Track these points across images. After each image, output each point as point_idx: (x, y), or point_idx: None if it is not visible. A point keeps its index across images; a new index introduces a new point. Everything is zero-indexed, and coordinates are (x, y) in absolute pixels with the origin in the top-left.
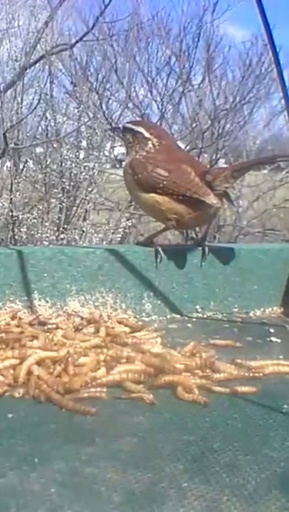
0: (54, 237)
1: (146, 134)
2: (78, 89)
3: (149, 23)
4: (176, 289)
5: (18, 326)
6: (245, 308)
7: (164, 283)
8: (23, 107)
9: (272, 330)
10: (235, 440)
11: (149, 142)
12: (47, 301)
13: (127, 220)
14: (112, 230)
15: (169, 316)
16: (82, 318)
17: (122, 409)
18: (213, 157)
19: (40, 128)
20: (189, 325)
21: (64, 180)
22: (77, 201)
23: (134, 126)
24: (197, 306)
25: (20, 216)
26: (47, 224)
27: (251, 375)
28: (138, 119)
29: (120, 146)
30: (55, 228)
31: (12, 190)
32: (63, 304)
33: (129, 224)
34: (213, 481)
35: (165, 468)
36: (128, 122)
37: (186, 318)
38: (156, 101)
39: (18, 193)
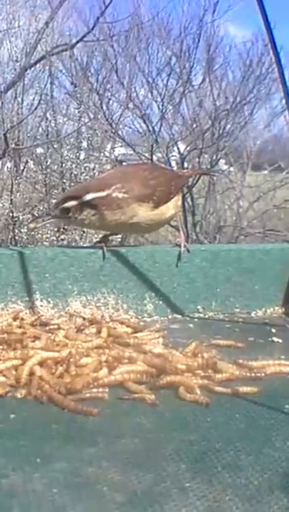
0: (54, 238)
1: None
2: (79, 90)
3: (149, 24)
4: (178, 289)
5: (20, 327)
6: (247, 309)
7: (166, 283)
8: (24, 108)
9: (273, 330)
10: (237, 440)
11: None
12: (49, 302)
13: None
14: None
15: (170, 317)
16: (83, 318)
17: (124, 410)
18: (214, 158)
19: (40, 128)
20: (191, 325)
21: (64, 181)
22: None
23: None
24: (199, 307)
25: (20, 217)
26: (47, 225)
27: (253, 375)
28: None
29: (121, 146)
30: (56, 229)
31: (12, 191)
32: (65, 304)
33: None
34: (215, 481)
35: (167, 469)
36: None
37: (188, 318)
38: (156, 101)
39: (18, 194)
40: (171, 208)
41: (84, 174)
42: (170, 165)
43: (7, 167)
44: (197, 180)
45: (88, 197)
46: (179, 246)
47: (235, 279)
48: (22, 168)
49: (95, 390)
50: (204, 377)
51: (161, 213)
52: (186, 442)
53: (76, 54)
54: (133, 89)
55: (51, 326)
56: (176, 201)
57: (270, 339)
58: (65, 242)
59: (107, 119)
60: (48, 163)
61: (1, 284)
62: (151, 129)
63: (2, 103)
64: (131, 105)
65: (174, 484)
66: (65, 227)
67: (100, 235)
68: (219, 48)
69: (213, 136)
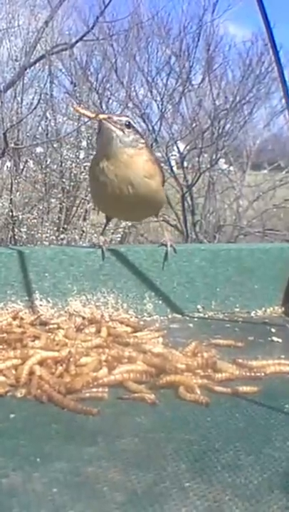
0: (54, 237)
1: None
2: (78, 89)
3: (149, 23)
4: (178, 288)
5: (19, 326)
6: (247, 308)
7: (166, 283)
8: (23, 107)
9: (273, 329)
10: (237, 440)
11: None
12: (48, 301)
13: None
14: (112, 230)
15: (170, 316)
16: (83, 318)
17: (124, 409)
18: (213, 157)
19: (40, 128)
20: (191, 325)
21: (64, 180)
22: (77, 201)
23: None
24: (198, 306)
25: (20, 216)
26: (47, 224)
27: (253, 374)
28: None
29: None
30: (55, 228)
31: (12, 190)
32: (65, 303)
33: (129, 224)
34: (215, 480)
35: (167, 468)
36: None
37: (188, 317)
38: (156, 100)
39: (18, 193)
40: (164, 193)
41: (84, 173)
42: (170, 164)
43: (7, 166)
44: (197, 180)
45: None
46: (165, 246)
47: (235, 278)
48: (22, 167)
49: (94, 389)
50: (204, 376)
51: (161, 189)
52: (186, 442)
53: (76, 53)
54: (133, 89)
55: (51, 326)
56: (164, 192)
57: (269, 339)
58: (64, 242)
59: None
60: (48, 163)
61: (1, 284)
62: (150, 128)
63: (2, 102)
64: (130, 104)
65: (173, 484)
66: (65, 226)
67: (99, 233)
68: (219, 47)
69: (212, 135)
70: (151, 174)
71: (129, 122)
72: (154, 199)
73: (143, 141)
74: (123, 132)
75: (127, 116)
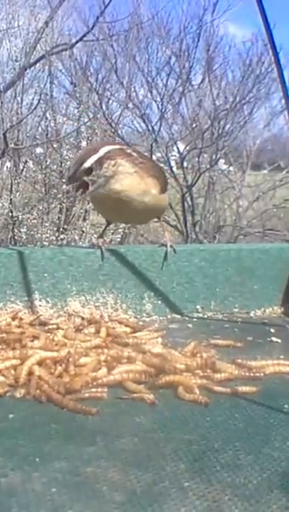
0: (54, 238)
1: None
2: (78, 90)
3: (149, 23)
4: (177, 289)
5: (18, 327)
6: (246, 308)
7: (165, 283)
8: (23, 107)
9: (272, 330)
10: (236, 440)
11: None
12: (47, 302)
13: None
14: (111, 230)
15: (169, 316)
16: (82, 318)
17: (123, 409)
18: (213, 157)
19: (40, 128)
20: (190, 325)
21: (64, 180)
22: (77, 202)
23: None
24: (198, 306)
25: (20, 216)
26: (47, 224)
27: (252, 374)
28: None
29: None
30: (55, 228)
31: (12, 191)
32: (64, 304)
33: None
34: (215, 480)
35: (166, 468)
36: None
37: (187, 318)
38: (156, 101)
39: (18, 194)
40: (165, 199)
41: None
42: (170, 164)
43: (6, 167)
44: (197, 180)
45: (104, 149)
46: (165, 246)
47: (235, 278)
48: (21, 167)
49: (94, 389)
50: (203, 376)
51: (160, 199)
52: (185, 442)
53: (76, 54)
54: (132, 89)
55: (50, 326)
56: (165, 198)
57: (269, 339)
58: (64, 242)
59: (106, 119)
60: (48, 163)
61: (0, 284)
62: (150, 128)
63: (1, 103)
64: (130, 105)
65: (173, 484)
66: (65, 226)
67: (99, 234)
68: (219, 47)
69: (212, 135)
70: (144, 189)
71: (89, 168)
72: (152, 209)
73: (112, 162)
74: (94, 184)
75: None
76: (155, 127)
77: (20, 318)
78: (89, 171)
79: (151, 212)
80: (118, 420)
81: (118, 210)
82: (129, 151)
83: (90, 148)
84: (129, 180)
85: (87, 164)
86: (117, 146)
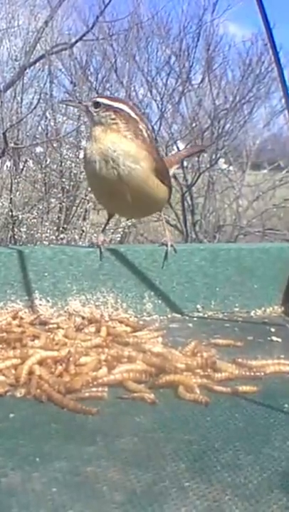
0: (54, 237)
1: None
2: (78, 89)
3: (148, 23)
4: (177, 288)
5: (19, 326)
6: (246, 308)
7: (165, 282)
8: (23, 107)
9: (273, 329)
10: (236, 439)
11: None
12: (48, 301)
13: (127, 219)
14: (111, 230)
15: (169, 316)
16: (83, 317)
17: (124, 409)
18: (213, 157)
19: (40, 127)
20: (190, 324)
21: (64, 179)
22: (77, 201)
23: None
24: (198, 306)
25: (20, 216)
26: (47, 224)
27: (252, 374)
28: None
29: None
30: (55, 228)
31: (12, 190)
32: (64, 303)
33: (129, 224)
34: (215, 480)
35: (166, 468)
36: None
37: (187, 317)
38: (156, 100)
39: (17, 193)
40: (165, 191)
41: (83, 173)
42: None
43: (6, 166)
44: (197, 180)
45: (121, 106)
46: (166, 245)
47: (235, 278)
48: (21, 167)
49: (94, 389)
50: (203, 376)
51: (158, 186)
52: (185, 441)
53: (75, 53)
54: (132, 89)
55: (50, 325)
56: (167, 191)
57: (269, 338)
58: (64, 241)
59: None
60: (48, 162)
61: (0, 283)
62: (150, 128)
63: (1, 102)
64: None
65: (173, 483)
66: (65, 226)
67: (99, 231)
68: (219, 47)
69: (212, 135)
70: (132, 155)
71: (97, 102)
72: (144, 186)
73: (114, 116)
74: (92, 113)
75: (98, 97)
76: (155, 126)
77: (21, 318)
78: (96, 104)
79: (147, 197)
80: (118, 420)
81: (109, 183)
82: (141, 126)
83: (116, 97)
84: (116, 138)
85: (99, 99)
86: (133, 114)
